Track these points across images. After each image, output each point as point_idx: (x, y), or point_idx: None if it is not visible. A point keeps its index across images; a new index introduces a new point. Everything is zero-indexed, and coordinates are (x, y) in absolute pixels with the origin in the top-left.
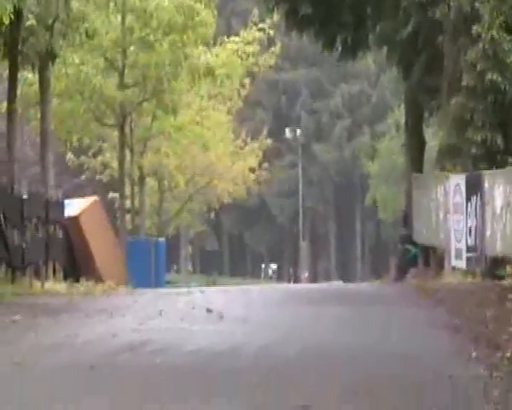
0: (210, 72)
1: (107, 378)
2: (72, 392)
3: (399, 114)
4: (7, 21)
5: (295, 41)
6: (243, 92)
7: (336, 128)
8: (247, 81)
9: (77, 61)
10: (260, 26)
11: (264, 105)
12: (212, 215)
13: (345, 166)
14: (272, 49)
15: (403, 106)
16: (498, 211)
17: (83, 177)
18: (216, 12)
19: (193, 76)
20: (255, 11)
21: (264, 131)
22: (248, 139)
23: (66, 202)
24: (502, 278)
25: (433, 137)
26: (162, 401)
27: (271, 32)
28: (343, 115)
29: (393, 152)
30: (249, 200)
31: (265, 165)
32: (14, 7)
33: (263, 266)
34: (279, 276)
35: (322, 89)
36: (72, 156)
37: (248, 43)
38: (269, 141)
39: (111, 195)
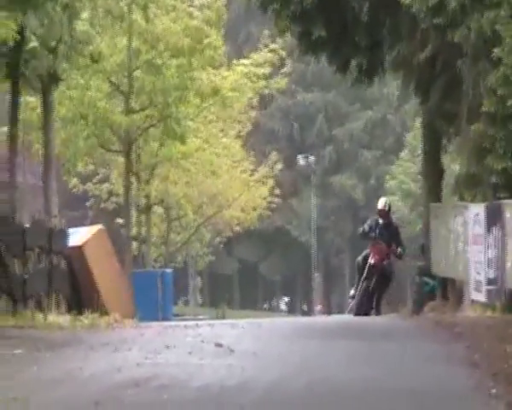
0: (215, 92)
1: None
2: None
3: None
4: (11, 41)
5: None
6: (252, 113)
7: (355, 157)
8: (255, 100)
9: (82, 81)
10: (271, 47)
11: (277, 132)
12: (222, 246)
13: (362, 196)
14: (283, 69)
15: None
16: None
17: (87, 204)
18: (225, 35)
19: (200, 98)
20: (266, 33)
21: (274, 157)
22: (258, 166)
23: (70, 230)
24: None
25: (452, 165)
26: None
27: (283, 53)
28: (363, 143)
29: (407, 177)
30: (261, 229)
31: (277, 191)
32: (19, 26)
33: (274, 298)
34: (291, 309)
35: (339, 114)
36: (77, 182)
37: (259, 65)
38: (279, 166)
39: (119, 220)
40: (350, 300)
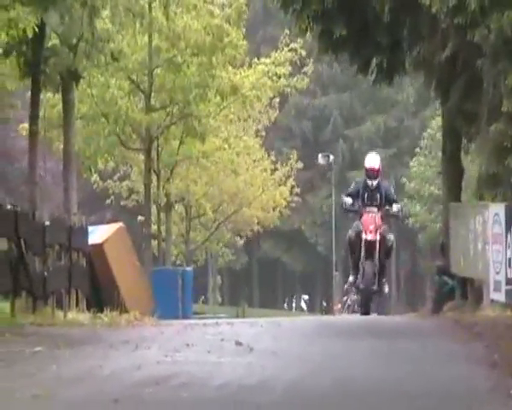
0: (236, 91)
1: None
2: None
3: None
4: (30, 34)
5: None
6: (273, 114)
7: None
8: (276, 101)
9: (102, 79)
10: (292, 46)
11: (294, 132)
12: (242, 244)
13: None
14: (304, 69)
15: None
16: None
17: (108, 201)
18: (245, 34)
19: (221, 97)
20: (286, 32)
21: (295, 155)
22: (278, 164)
23: (90, 228)
24: None
25: (472, 165)
26: None
27: (303, 53)
28: (378, 144)
29: (424, 180)
30: (282, 228)
31: (297, 190)
32: (39, 22)
33: (294, 297)
34: (311, 307)
35: (354, 115)
36: (97, 179)
37: (279, 64)
38: (300, 164)
39: (139, 218)
40: (347, 286)
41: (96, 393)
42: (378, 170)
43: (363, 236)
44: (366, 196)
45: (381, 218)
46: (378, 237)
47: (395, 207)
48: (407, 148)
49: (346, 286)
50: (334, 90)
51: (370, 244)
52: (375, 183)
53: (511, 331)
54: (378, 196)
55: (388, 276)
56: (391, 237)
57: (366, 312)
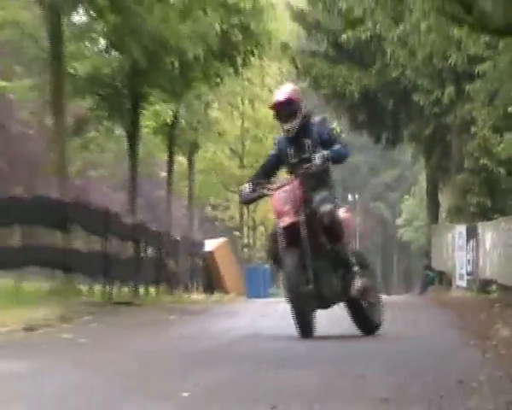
0: None
1: (228, 356)
2: (201, 367)
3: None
4: (169, 121)
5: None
6: None
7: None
8: None
9: (212, 148)
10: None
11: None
12: None
13: (386, 220)
14: None
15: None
16: (488, 249)
17: (216, 223)
18: None
19: None
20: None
21: None
22: None
23: (206, 241)
24: (490, 293)
25: (445, 201)
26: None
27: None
28: (391, 187)
29: (415, 209)
30: None
31: None
32: (173, 112)
33: None
34: None
35: (375, 167)
36: (210, 210)
37: None
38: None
39: (235, 233)
40: None
41: (205, 346)
42: (289, 101)
43: (280, 223)
44: (291, 151)
45: (304, 184)
46: (303, 216)
47: (318, 159)
48: (406, 191)
49: None
50: (362, 150)
51: (291, 230)
52: (293, 126)
53: (471, 306)
54: (308, 143)
55: (375, 277)
56: (327, 206)
57: (306, 330)
